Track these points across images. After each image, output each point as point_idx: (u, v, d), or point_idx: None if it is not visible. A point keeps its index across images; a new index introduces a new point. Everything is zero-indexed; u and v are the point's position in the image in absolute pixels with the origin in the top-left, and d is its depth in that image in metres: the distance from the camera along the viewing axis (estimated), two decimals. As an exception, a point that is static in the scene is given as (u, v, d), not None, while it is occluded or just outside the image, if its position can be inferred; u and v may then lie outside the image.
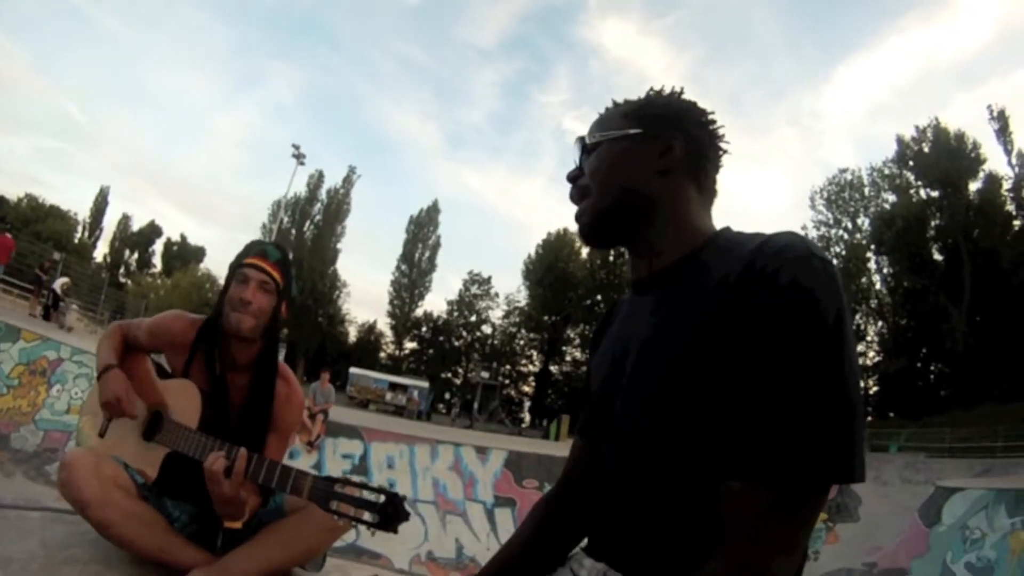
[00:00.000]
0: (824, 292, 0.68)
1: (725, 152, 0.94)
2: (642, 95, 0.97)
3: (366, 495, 1.38)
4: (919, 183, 33.38)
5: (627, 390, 0.85)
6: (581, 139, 0.97)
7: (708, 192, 0.93)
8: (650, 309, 0.86)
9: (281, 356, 1.95)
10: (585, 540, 0.96)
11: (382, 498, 1.37)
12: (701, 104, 0.94)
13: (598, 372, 0.96)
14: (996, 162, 31.30)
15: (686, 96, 0.95)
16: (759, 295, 0.69)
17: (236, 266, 1.80)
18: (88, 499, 1.54)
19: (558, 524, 1.02)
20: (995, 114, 30.42)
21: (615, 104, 0.98)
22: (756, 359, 0.68)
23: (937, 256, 32.59)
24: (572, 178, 0.98)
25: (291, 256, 1.92)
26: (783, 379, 0.67)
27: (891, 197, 35.10)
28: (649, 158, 0.89)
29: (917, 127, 33.98)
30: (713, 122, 0.93)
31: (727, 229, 0.88)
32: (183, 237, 63.03)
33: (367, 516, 1.36)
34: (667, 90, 0.95)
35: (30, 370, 6.89)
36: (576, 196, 0.96)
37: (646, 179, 0.89)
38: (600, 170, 0.93)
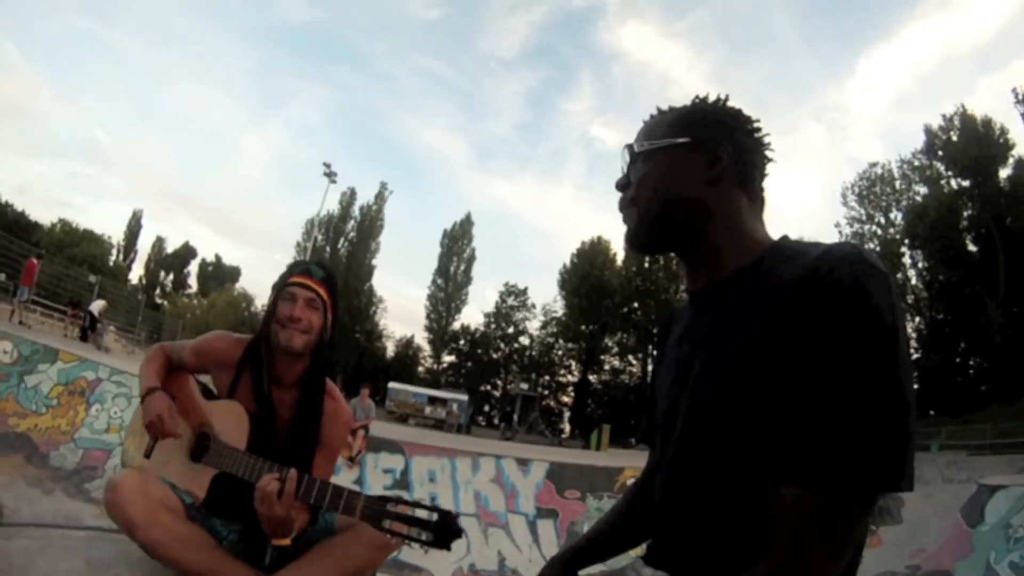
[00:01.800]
0: (881, 300, 0.69)
1: (771, 160, 0.95)
2: (687, 103, 0.96)
3: (419, 513, 1.40)
4: (949, 173, 32.61)
5: (691, 396, 0.85)
6: (629, 147, 0.97)
7: (758, 200, 0.93)
8: (714, 317, 0.87)
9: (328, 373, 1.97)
10: (643, 547, 0.97)
11: (435, 516, 1.39)
12: (746, 112, 0.95)
13: (663, 380, 0.97)
14: (1025, 146, 30.47)
15: (731, 103, 0.94)
16: (818, 302, 0.71)
17: (281, 286, 1.82)
18: (135, 520, 1.57)
19: (640, 510, 1.08)
20: (1020, 97, 29.54)
21: (660, 112, 0.98)
22: (813, 365, 0.70)
23: (971, 247, 31.75)
24: (621, 187, 0.98)
25: (335, 275, 1.93)
26: (838, 385, 0.68)
27: (922, 189, 34.37)
28: (698, 167, 0.90)
29: (944, 115, 33.32)
30: (759, 129, 0.93)
31: (785, 238, 0.89)
32: (218, 257, 64.64)
33: (421, 535, 1.37)
34: (712, 97, 0.95)
35: (68, 390, 7.06)
36: (624, 204, 0.97)
37: (696, 188, 0.89)
38: (649, 179, 0.93)
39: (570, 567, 1.09)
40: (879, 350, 0.68)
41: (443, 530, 1.37)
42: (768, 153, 0.94)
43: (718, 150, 0.89)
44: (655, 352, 1.11)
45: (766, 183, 0.95)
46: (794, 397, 0.70)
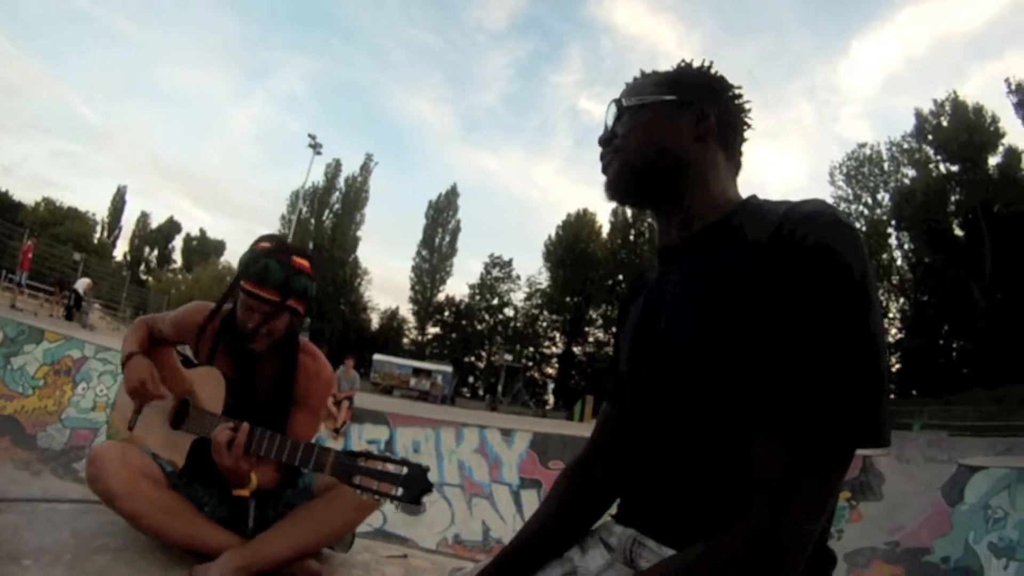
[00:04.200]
0: (850, 255, 0.69)
1: (750, 126, 0.96)
2: (672, 67, 0.97)
3: (389, 468, 1.40)
4: (938, 157, 32.80)
5: (659, 352, 0.86)
6: (616, 101, 0.96)
7: (735, 163, 0.95)
8: (682, 273, 0.88)
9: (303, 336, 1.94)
10: (614, 508, 0.97)
11: (404, 470, 1.38)
12: (730, 79, 0.96)
13: (626, 340, 0.98)
14: (1016, 135, 30.86)
15: (715, 70, 0.95)
16: (786, 257, 0.71)
17: (236, 283, 1.76)
18: (116, 491, 1.59)
19: (582, 494, 1.03)
20: (1013, 87, 29.70)
21: (644, 74, 0.99)
22: (784, 319, 0.70)
23: (958, 231, 32.06)
24: (604, 141, 0.97)
25: (303, 251, 1.82)
26: (809, 339, 0.68)
27: (911, 172, 34.54)
28: (685, 124, 0.91)
29: (935, 100, 33.46)
30: (741, 96, 0.95)
31: (754, 197, 0.90)
32: (202, 232, 63.99)
33: (391, 489, 1.37)
34: (697, 63, 0.96)
35: (55, 370, 7.02)
36: (607, 158, 0.96)
37: (681, 144, 0.90)
38: (636, 131, 0.93)
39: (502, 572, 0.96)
40: (849, 304, 0.68)
41: (414, 484, 1.36)
42: (748, 119, 0.96)
43: (705, 108, 0.90)
44: (619, 309, 1.09)
45: (744, 148, 0.96)
46: (765, 353, 0.71)
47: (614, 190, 0.95)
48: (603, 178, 0.96)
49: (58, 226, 39.89)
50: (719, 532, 0.71)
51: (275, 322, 1.73)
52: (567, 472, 1.07)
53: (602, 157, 0.97)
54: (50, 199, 46.48)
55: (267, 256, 1.72)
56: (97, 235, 50.54)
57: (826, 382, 0.67)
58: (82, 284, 16.66)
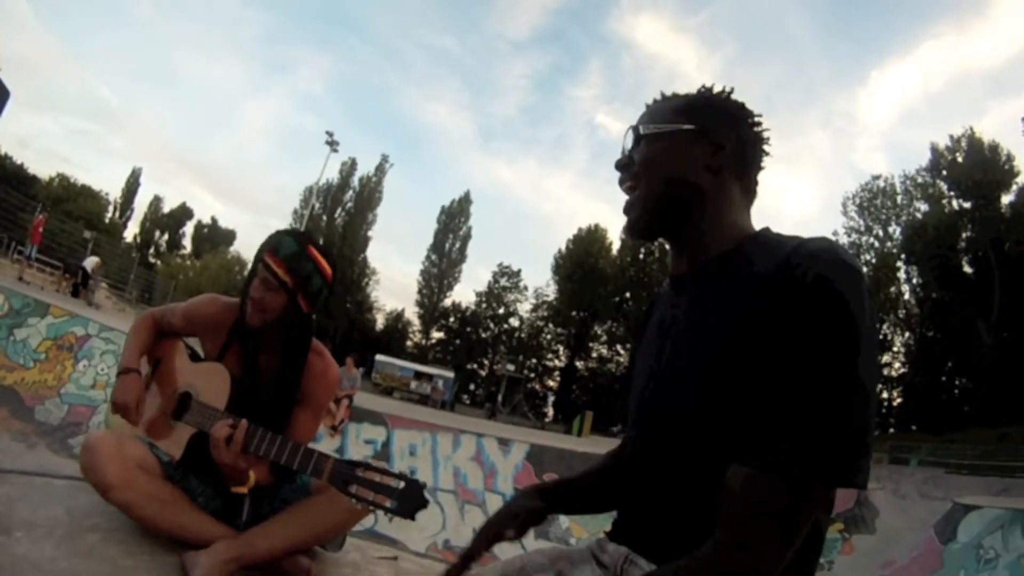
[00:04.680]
0: (850, 296, 0.70)
1: (768, 155, 0.96)
2: (693, 91, 0.97)
3: (386, 480, 1.40)
4: (952, 193, 32.72)
5: (662, 379, 0.88)
6: (634, 128, 0.97)
7: (750, 193, 0.95)
8: (691, 302, 0.89)
9: (311, 334, 1.92)
10: (608, 525, 0.99)
11: (402, 484, 1.39)
12: (749, 106, 0.96)
13: (641, 363, 0.98)
14: (1030, 175, 30.54)
15: (735, 97, 0.96)
16: (789, 292, 0.72)
17: (257, 260, 1.78)
18: (110, 482, 1.59)
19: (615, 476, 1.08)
20: (1030, 125, 29.55)
21: (664, 97, 0.99)
22: (780, 354, 0.71)
23: (967, 268, 31.91)
24: (622, 166, 0.98)
25: (319, 245, 1.84)
26: (801, 375, 0.69)
27: (923, 206, 34.51)
28: (701, 154, 0.91)
29: (951, 136, 33.41)
30: (760, 124, 0.95)
31: (767, 230, 0.91)
32: (214, 220, 63.99)
33: (386, 502, 1.38)
34: (717, 89, 0.96)
35: (57, 345, 7.03)
36: (627, 184, 0.97)
37: (697, 174, 0.90)
38: (653, 161, 0.93)
39: (545, 497, 1.09)
40: (843, 344, 0.69)
41: (409, 499, 1.37)
42: (766, 148, 0.96)
43: (721, 139, 0.91)
44: (635, 336, 1.11)
45: (760, 177, 0.96)
46: (759, 385, 0.72)
47: (634, 229, 0.96)
48: (624, 219, 0.97)
49: (71, 203, 40.13)
50: (690, 553, 0.73)
51: (271, 295, 1.71)
52: (609, 455, 1.15)
53: (620, 183, 0.98)
54: (64, 175, 46.81)
55: (286, 234, 1.78)
56: (109, 215, 50.77)
57: (807, 420, 0.68)
58: (91, 262, 16.71)
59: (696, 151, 0.91)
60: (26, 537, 1.51)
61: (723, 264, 0.87)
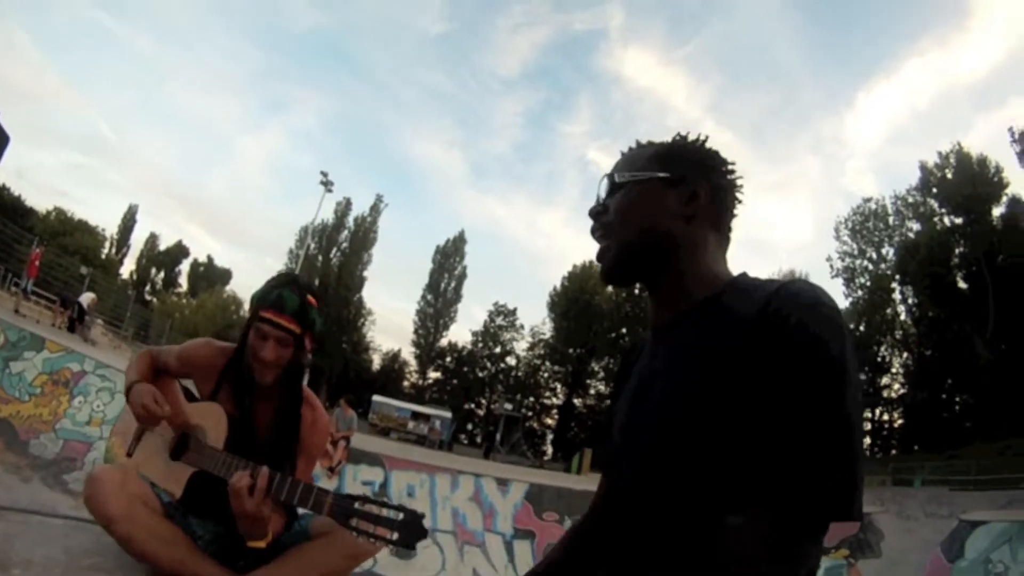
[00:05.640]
0: (830, 336, 0.71)
1: (741, 202, 0.98)
2: (667, 139, 0.99)
3: (386, 513, 1.41)
4: (943, 210, 33.03)
5: (648, 427, 0.86)
6: (609, 176, 0.98)
7: (725, 239, 0.96)
8: (671, 350, 0.89)
9: (304, 381, 1.97)
10: None
11: (401, 515, 1.39)
12: (723, 154, 0.97)
13: (620, 413, 0.98)
14: (1019, 185, 31.06)
15: (709, 144, 0.97)
16: (770, 335, 0.73)
17: (254, 315, 1.79)
18: (113, 515, 1.58)
19: (580, 554, 1.05)
20: (1017, 136, 30.03)
21: (639, 145, 1.00)
22: (764, 396, 0.71)
23: (961, 284, 32.06)
24: (595, 214, 0.98)
25: (313, 289, 1.91)
26: (788, 418, 0.70)
27: (915, 225, 34.84)
28: (675, 202, 0.92)
29: (940, 153, 33.92)
30: (734, 172, 0.96)
31: (744, 275, 0.91)
32: (210, 259, 64.40)
33: (387, 533, 1.38)
34: (692, 136, 0.97)
35: (52, 380, 6.96)
36: (599, 233, 0.97)
37: (671, 223, 0.91)
38: (626, 209, 0.94)
39: None
40: (829, 383, 0.70)
41: (409, 530, 1.38)
42: (739, 195, 0.97)
43: (696, 187, 0.92)
44: (614, 382, 1.11)
45: (734, 224, 0.97)
46: (747, 428, 0.72)
47: (608, 276, 0.97)
48: (599, 265, 0.98)
49: (67, 237, 40.14)
50: None
51: (286, 351, 1.77)
52: (569, 531, 1.11)
53: (592, 231, 0.99)
54: (61, 209, 46.78)
55: (280, 287, 1.79)
56: (105, 251, 50.78)
57: (800, 458, 0.68)
58: (86, 298, 16.67)
59: (671, 199, 0.92)
60: (23, 575, 1.49)
61: (703, 311, 0.87)
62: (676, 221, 0.91)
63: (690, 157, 0.95)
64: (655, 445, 0.83)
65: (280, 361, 1.78)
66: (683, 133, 0.98)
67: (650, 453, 0.84)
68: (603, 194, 0.99)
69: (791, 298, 0.75)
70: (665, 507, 0.81)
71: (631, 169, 0.96)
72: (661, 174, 0.93)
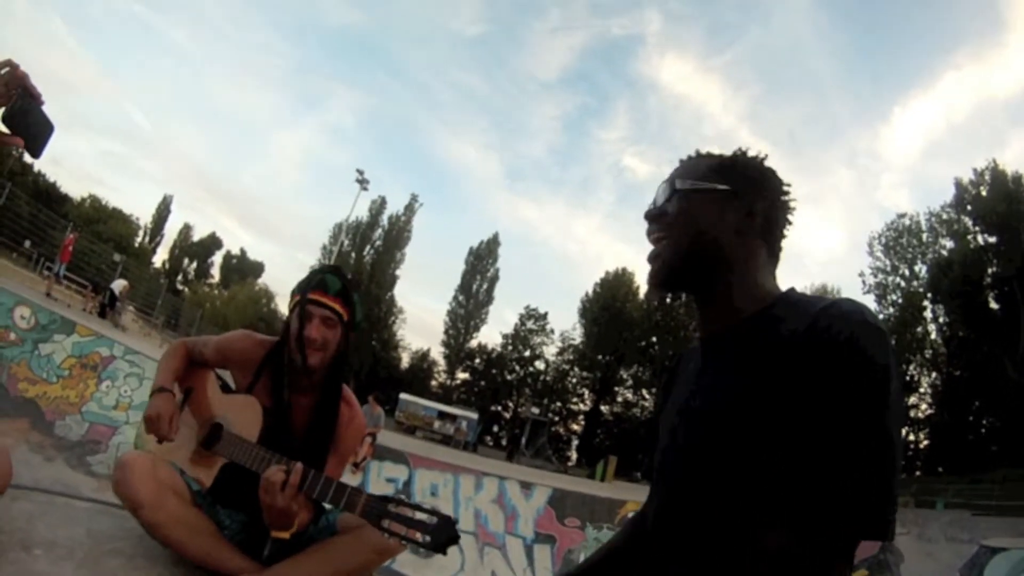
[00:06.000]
0: (877, 354, 0.72)
1: (792, 224, 0.98)
2: (728, 152, 1.00)
3: (418, 516, 1.41)
4: (977, 228, 32.19)
5: (688, 436, 0.89)
6: (669, 181, 0.99)
7: (775, 257, 0.98)
8: (722, 363, 0.90)
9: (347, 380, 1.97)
10: None
11: (434, 519, 1.40)
12: (780, 174, 0.99)
13: (666, 423, 0.99)
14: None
15: (768, 163, 0.99)
16: (816, 352, 0.74)
17: (298, 300, 1.82)
18: (142, 500, 1.60)
19: (621, 561, 1.10)
20: (1054, 155, 29.12)
21: (699, 154, 1.02)
22: (806, 415, 0.73)
23: (993, 304, 31.23)
24: (652, 217, 0.99)
25: (355, 279, 1.93)
26: (827, 436, 0.71)
27: (949, 243, 33.98)
28: (732, 215, 0.93)
29: (975, 169, 32.95)
30: (789, 192, 0.97)
31: (792, 290, 0.93)
32: (243, 251, 65.33)
33: (417, 536, 1.39)
34: (752, 152, 0.99)
35: (81, 363, 7.13)
36: (655, 235, 0.99)
37: (725, 235, 0.93)
38: (686, 216, 0.95)
39: None
40: (874, 402, 0.71)
41: (440, 534, 1.38)
42: (791, 218, 0.98)
43: (754, 203, 0.93)
44: (660, 392, 1.12)
45: (784, 243, 0.99)
46: (786, 444, 0.73)
47: (658, 279, 0.97)
48: (648, 268, 0.99)
49: (101, 224, 40.99)
50: None
51: (330, 331, 1.79)
52: (630, 522, 1.15)
53: (649, 233, 0.99)
54: (96, 197, 47.89)
55: (322, 273, 1.85)
56: (139, 239, 51.79)
57: (838, 479, 0.69)
58: (119, 285, 17.01)
59: (728, 212, 0.93)
60: (45, 556, 1.51)
61: (753, 324, 0.88)
62: (730, 234, 0.93)
63: (750, 173, 0.96)
64: (703, 458, 0.84)
65: (326, 343, 1.79)
66: (743, 148, 1.00)
67: (697, 466, 0.85)
68: (660, 199, 0.99)
69: (842, 316, 0.76)
70: (708, 521, 0.82)
71: (692, 177, 0.97)
72: (721, 186, 0.94)
